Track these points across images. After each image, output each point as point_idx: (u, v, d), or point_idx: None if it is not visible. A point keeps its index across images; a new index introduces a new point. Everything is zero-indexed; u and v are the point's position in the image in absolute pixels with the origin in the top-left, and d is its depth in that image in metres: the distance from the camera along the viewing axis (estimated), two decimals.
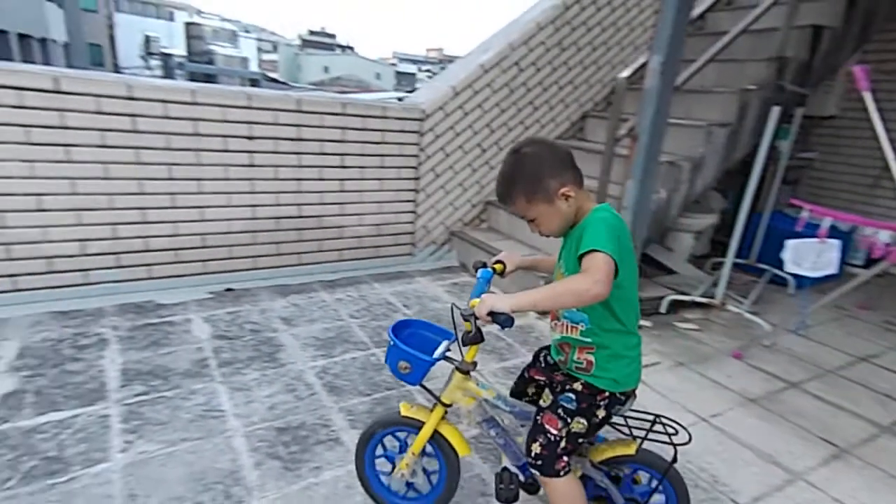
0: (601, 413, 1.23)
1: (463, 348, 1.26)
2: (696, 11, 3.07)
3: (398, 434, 1.47)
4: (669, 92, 2.64)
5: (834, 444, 2.00)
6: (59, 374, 2.04)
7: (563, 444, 1.21)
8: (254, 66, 36.84)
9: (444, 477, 1.43)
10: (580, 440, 1.24)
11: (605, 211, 1.17)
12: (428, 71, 59.22)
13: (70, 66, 23.91)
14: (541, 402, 1.30)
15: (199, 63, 22.09)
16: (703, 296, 3.02)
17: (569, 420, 1.22)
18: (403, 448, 1.46)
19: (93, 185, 2.54)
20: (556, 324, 1.29)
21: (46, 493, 1.49)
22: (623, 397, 1.25)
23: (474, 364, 1.30)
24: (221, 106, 2.73)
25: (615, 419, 1.29)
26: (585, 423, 1.22)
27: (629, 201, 2.89)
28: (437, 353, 1.28)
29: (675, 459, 1.25)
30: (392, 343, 1.27)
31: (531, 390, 1.46)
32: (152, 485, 1.56)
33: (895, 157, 2.62)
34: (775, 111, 2.82)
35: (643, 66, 2.75)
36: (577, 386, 1.24)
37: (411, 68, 63.65)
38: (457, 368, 1.31)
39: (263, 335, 2.52)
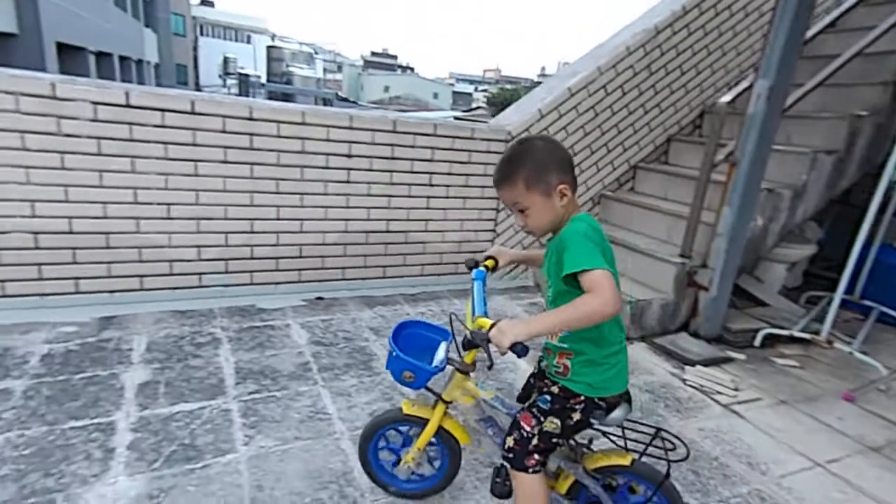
0: (576, 416, 1.27)
1: (463, 350, 1.31)
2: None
3: (400, 428, 1.55)
4: (776, 118, 2.56)
5: None
6: (183, 369, 2.23)
7: (534, 441, 1.27)
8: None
9: (448, 463, 1.54)
10: (553, 439, 1.29)
11: (583, 221, 1.19)
12: (485, 91, 60.06)
13: (160, 84, 26.33)
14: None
15: (278, 83, 23.62)
16: (803, 331, 2.85)
17: (542, 419, 1.28)
18: (407, 440, 1.55)
19: (212, 197, 2.79)
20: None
21: (187, 477, 1.63)
22: (603, 403, 1.27)
23: (474, 365, 1.36)
24: (326, 126, 2.93)
25: (614, 429, 1.32)
26: (558, 423, 1.27)
27: (724, 228, 2.80)
28: (437, 361, 1.35)
29: (668, 474, 1.29)
30: (395, 353, 1.30)
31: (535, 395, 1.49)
32: (274, 478, 1.67)
33: None
34: None
35: (746, 90, 2.69)
36: (555, 389, 1.29)
37: (468, 88, 64.85)
38: (457, 370, 1.37)
39: (356, 343, 2.64)
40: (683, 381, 2.51)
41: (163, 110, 2.56)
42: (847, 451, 2.04)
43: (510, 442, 1.30)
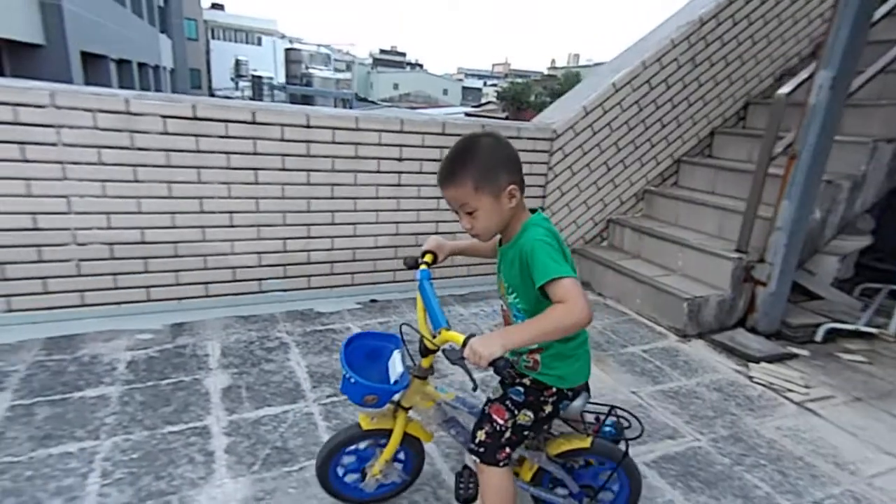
0: (548, 408, 1.29)
1: (420, 356, 1.27)
2: None
3: (361, 445, 1.45)
4: (839, 109, 2.52)
5: None
6: (259, 373, 2.30)
7: (507, 434, 1.27)
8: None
9: (413, 462, 1.52)
10: (525, 432, 1.29)
11: (539, 227, 1.16)
12: (494, 85, 59.79)
13: (175, 89, 26.67)
14: (489, 394, 1.35)
15: (297, 85, 23.80)
16: (868, 325, 2.81)
17: (515, 412, 1.27)
18: (365, 455, 1.47)
19: (272, 204, 2.85)
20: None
21: (286, 479, 1.69)
22: (570, 393, 1.30)
23: (431, 369, 1.31)
24: (378, 131, 2.97)
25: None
26: (532, 415, 1.27)
27: (783, 222, 2.78)
28: (397, 374, 1.30)
29: (626, 453, 1.33)
30: (352, 379, 1.21)
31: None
32: None
33: None
34: None
35: (805, 80, 2.65)
36: (526, 381, 1.29)
37: (477, 83, 64.54)
38: (414, 375, 1.31)
39: (413, 347, 2.67)
40: (750, 378, 2.50)
41: (226, 121, 2.62)
42: None
43: (481, 436, 1.27)
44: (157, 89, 22.51)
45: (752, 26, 3.66)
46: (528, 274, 1.13)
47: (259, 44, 45.85)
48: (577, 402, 1.31)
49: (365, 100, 29.36)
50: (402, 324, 1.33)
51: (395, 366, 1.29)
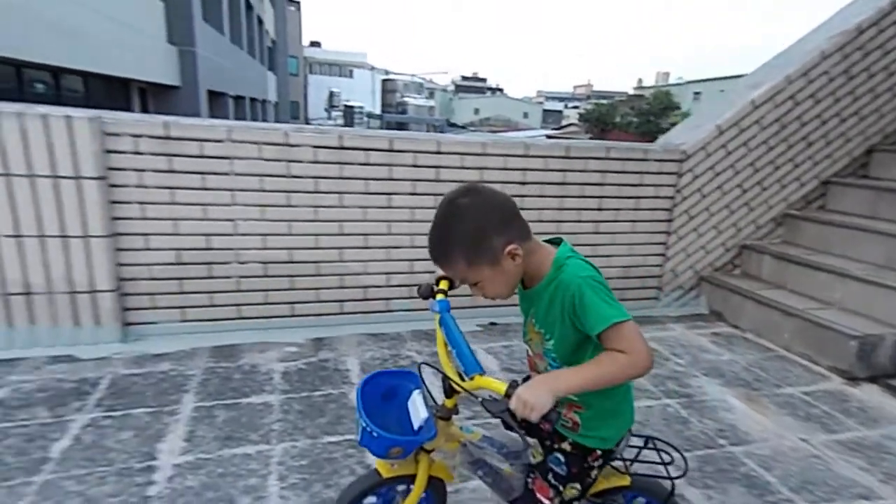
0: (594, 473, 1.17)
1: (444, 396, 1.14)
2: None
3: (380, 492, 1.30)
4: None
5: None
6: None
7: None
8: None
9: (434, 499, 1.35)
10: (574, 502, 1.17)
11: (575, 263, 1.01)
12: (576, 107, 58.93)
13: (278, 120, 29.46)
14: (531, 457, 1.24)
15: (392, 113, 25.27)
16: None
17: (561, 488, 1.15)
18: (387, 497, 1.32)
19: (403, 227, 2.98)
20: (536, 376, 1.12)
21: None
22: (617, 448, 1.16)
23: (455, 409, 1.18)
24: (504, 155, 3.02)
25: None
26: (579, 486, 1.15)
27: None
28: (421, 420, 1.13)
29: (673, 489, 1.20)
30: (373, 433, 1.07)
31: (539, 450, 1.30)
32: None
33: None
34: None
35: None
36: (566, 446, 1.15)
37: (557, 105, 64.06)
38: (438, 417, 1.17)
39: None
40: None
41: (367, 149, 2.81)
42: None
43: None
44: (264, 120, 24.96)
45: None
46: (572, 318, 0.99)
47: (351, 76, 49.35)
48: (619, 447, 1.20)
49: (455, 125, 30.38)
50: (421, 363, 1.21)
51: (418, 409, 1.14)
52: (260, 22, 23.77)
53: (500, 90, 64.69)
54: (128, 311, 2.64)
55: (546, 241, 1.11)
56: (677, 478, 1.18)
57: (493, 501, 1.53)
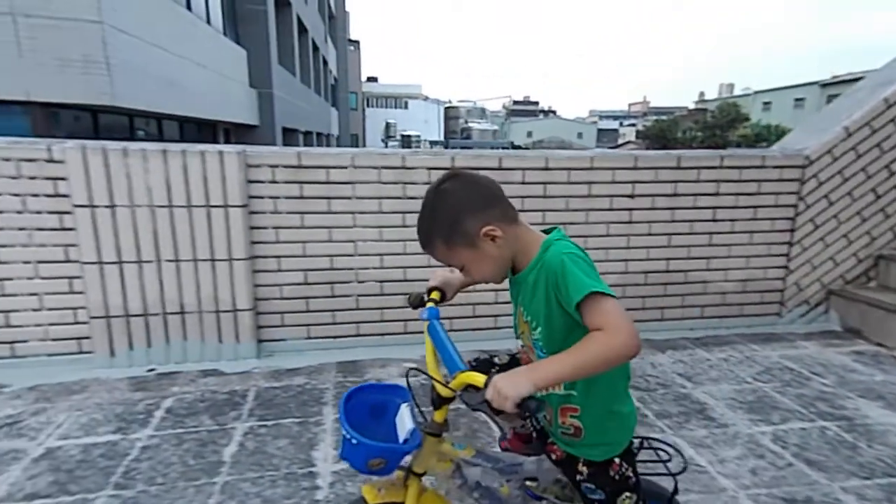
0: (630, 474, 1.07)
1: (432, 408, 1.05)
2: None
3: None
4: None
5: None
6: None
7: None
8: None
9: None
10: None
11: (562, 242, 0.99)
12: (632, 125, 57.52)
13: None
14: (539, 472, 1.16)
15: (455, 139, 26.03)
16: None
17: None
18: None
19: None
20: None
21: None
22: (634, 445, 1.09)
23: (446, 424, 1.07)
24: (612, 168, 2.99)
25: None
26: (629, 493, 1.05)
27: None
28: (406, 432, 1.05)
29: (676, 489, 1.15)
30: (353, 440, 0.98)
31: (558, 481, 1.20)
32: None
33: None
34: None
35: None
36: (583, 469, 1.07)
37: (612, 124, 62.89)
38: (427, 433, 1.06)
39: (675, 390, 2.50)
40: None
41: (477, 169, 2.89)
42: None
43: None
44: None
45: None
46: (556, 297, 0.95)
47: (406, 107, 51.32)
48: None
49: (518, 147, 30.75)
50: (410, 368, 1.14)
51: (404, 422, 1.08)
52: (325, 62, 25.45)
53: (553, 112, 64.54)
54: (261, 328, 2.83)
55: (543, 231, 1.09)
56: (678, 473, 1.15)
57: None
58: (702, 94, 56.54)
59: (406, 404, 1.11)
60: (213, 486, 1.74)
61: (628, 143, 47.76)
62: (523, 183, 2.95)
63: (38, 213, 2.39)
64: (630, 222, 3.07)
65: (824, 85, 36.38)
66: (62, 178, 2.37)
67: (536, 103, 63.71)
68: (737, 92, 49.36)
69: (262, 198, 2.69)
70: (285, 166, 2.69)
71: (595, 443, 1.06)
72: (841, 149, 3.03)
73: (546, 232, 1.07)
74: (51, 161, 2.35)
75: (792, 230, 3.15)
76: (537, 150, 3.05)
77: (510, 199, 3.07)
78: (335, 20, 30.44)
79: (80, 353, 2.58)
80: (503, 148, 23.37)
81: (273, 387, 2.48)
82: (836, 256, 3.20)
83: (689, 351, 2.96)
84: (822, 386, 2.50)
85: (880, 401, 2.35)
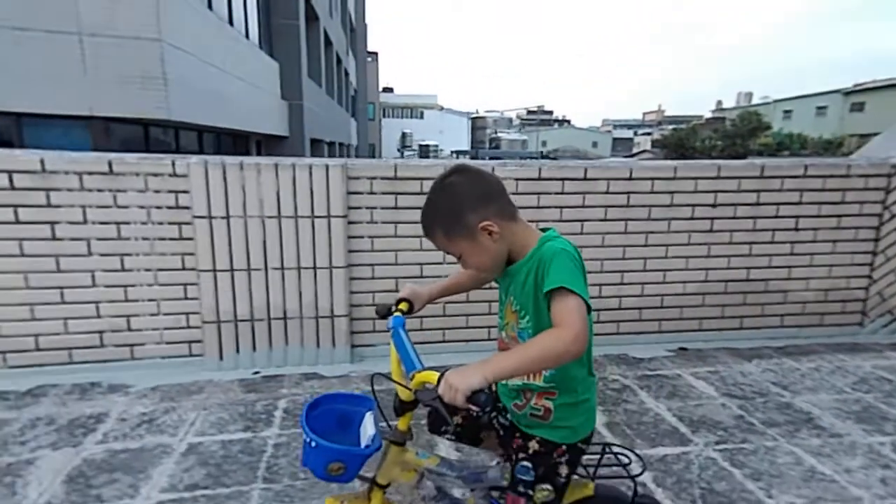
0: (564, 470, 1.12)
1: (395, 416, 1.07)
2: None
3: None
4: None
5: None
6: (626, 412, 2.38)
7: None
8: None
9: None
10: None
11: (560, 240, 1.05)
12: (647, 133, 57.26)
13: None
14: (503, 478, 1.19)
15: (483, 149, 26.20)
16: None
17: (531, 493, 1.10)
18: None
19: (592, 252, 3.05)
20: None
21: None
22: (584, 446, 1.14)
23: (410, 432, 1.10)
24: (695, 178, 3.03)
25: None
26: (550, 487, 1.10)
27: None
28: (368, 438, 1.05)
29: (636, 492, 1.19)
30: (312, 442, 0.98)
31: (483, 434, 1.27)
32: None
33: None
34: None
35: None
36: (533, 445, 1.12)
37: (627, 133, 62.68)
38: (391, 442, 1.09)
39: (774, 399, 2.51)
40: None
41: (562, 179, 2.96)
42: None
43: None
44: None
45: None
46: (539, 281, 1.00)
47: (421, 117, 51.79)
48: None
49: (547, 157, 30.83)
50: (374, 374, 1.16)
51: (367, 429, 1.08)
52: (346, 74, 25.90)
53: (567, 121, 64.59)
54: (354, 333, 2.91)
55: (540, 229, 1.14)
56: (638, 475, 1.20)
57: None
58: (719, 102, 56.17)
59: (370, 412, 1.11)
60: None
61: (643, 152, 47.47)
62: (607, 193, 3.00)
63: (160, 223, 2.51)
64: (711, 231, 3.10)
65: (848, 93, 35.88)
66: (183, 191, 2.49)
67: (550, 112, 63.83)
68: (755, 101, 48.93)
69: (359, 208, 2.78)
70: (382, 178, 2.78)
71: (559, 426, 1.11)
72: None
73: (542, 230, 1.13)
74: (174, 175, 2.48)
75: (876, 239, 3.15)
76: (623, 161, 3.10)
77: (594, 209, 3.11)
78: (355, 33, 31.01)
79: (191, 355, 2.69)
80: (531, 158, 23.40)
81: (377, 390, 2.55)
82: None
83: (776, 360, 2.97)
84: None
85: None
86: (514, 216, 1.09)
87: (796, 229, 3.13)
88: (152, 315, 2.58)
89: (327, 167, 2.64)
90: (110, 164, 2.39)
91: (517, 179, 2.92)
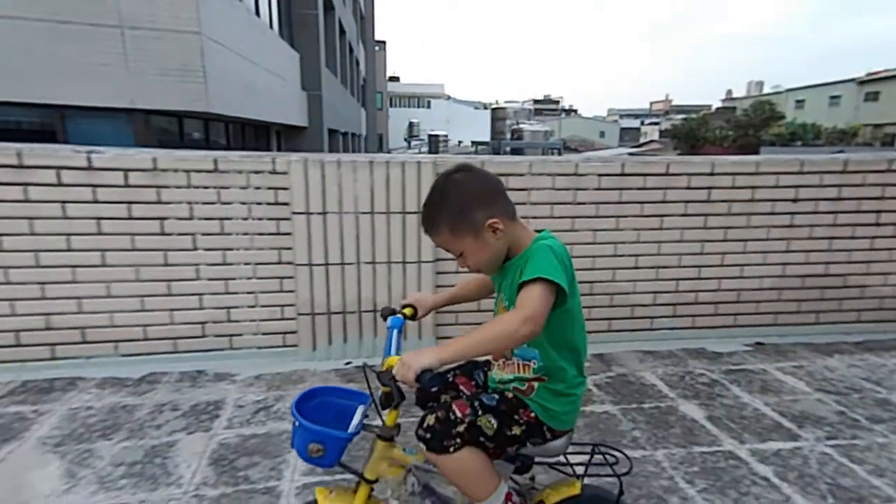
0: (516, 429, 1.13)
1: (383, 412, 1.09)
2: None
3: None
4: None
5: None
6: (723, 406, 2.40)
7: (461, 428, 1.08)
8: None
9: None
10: (481, 438, 1.10)
11: (551, 239, 1.09)
12: (655, 123, 56.71)
13: (366, 152, 31.31)
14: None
15: (504, 140, 26.12)
16: None
17: (479, 412, 1.11)
18: None
19: (671, 247, 3.06)
20: (503, 362, 1.18)
21: None
22: (548, 433, 1.14)
23: (398, 428, 1.14)
24: (776, 173, 3.01)
25: (558, 458, 1.23)
26: (494, 425, 1.10)
27: None
28: (352, 426, 1.09)
29: (621, 491, 1.21)
30: (295, 423, 1.04)
31: (444, 397, 1.26)
32: None
33: None
34: None
35: None
36: (508, 394, 1.15)
37: (634, 123, 62.13)
38: (378, 436, 1.13)
39: (871, 395, 2.52)
40: None
41: (645, 175, 2.94)
42: None
43: (430, 420, 1.09)
44: (356, 151, 26.71)
45: None
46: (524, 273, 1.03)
47: (428, 107, 51.50)
48: (558, 443, 1.18)
49: (570, 148, 30.67)
50: (364, 366, 1.18)
51: (355, 419, 1.12)
52: (357, 63, 25.74)
53: (575, 111, 64.03)
54: (438, 326, 2.94)
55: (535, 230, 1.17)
56: (624, 474, 1.21)
57: None
58: (729, 91, 55.52)
59: (363, 406, 1.14)
60: None
61: (651, 142, 47.06)
62: (688, 188, 3.00)
63: (260, 219, 2.53)
64: (791, 226, 3.10)
65: (862, 82, 35.38)
66: (283, 188, 2.51)
67: (557, 102, 63.29)
68: (767, 90, 48.32)
69: None
70: None
71: (536, 400, 1.13)
72: None
73: (537, 231, 1.17)
74: (273, 172, 2.49)
75: None
76: (704, 157, 3.08)
77: (674, 204, 3.09)
78: (364, 21, 30.75)
79: (285, 346, 2.73)
80: (555, 149, 23.23)
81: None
82: None
83: (858, 355, 2.97)
84: None
85: None
86: (514, 215, 1.13)
87: (877, 224, 3.11)
88: (250, 307, 2.62)
89: (419, 164, 2.65)
90: (216, 162, 2.41)
91: (600, 175, 2.91)
